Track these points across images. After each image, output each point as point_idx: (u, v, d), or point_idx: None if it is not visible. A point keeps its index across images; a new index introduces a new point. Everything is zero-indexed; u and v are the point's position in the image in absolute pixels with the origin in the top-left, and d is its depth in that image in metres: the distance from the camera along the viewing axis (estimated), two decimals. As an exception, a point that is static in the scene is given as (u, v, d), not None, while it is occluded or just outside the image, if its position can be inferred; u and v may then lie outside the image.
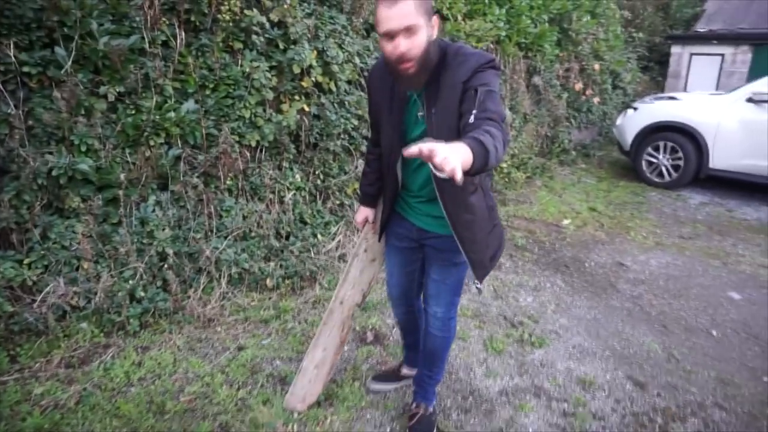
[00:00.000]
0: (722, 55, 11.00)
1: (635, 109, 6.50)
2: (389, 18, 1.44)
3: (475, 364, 2.65)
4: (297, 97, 3.62)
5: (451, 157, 1.11)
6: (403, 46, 1.46)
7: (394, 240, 2.02)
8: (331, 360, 2.29)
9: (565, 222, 4.89)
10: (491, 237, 1.81)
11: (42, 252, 2.67)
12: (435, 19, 1.52)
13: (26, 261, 2.63)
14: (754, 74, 9.46)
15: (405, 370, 2.43)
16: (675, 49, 11.72)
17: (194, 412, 2.21)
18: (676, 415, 2.34)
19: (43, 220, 2.71)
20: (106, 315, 2.67)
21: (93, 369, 2.40)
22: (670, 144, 6.02)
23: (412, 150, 1.13)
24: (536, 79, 6.53)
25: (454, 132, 1.51)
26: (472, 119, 1.44)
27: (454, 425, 2.22)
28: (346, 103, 3.88)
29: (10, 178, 2.65)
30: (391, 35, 1.46)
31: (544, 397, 2.43)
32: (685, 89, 11.14)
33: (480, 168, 1.26)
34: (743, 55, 10.74)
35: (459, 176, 1.10)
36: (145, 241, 2.91)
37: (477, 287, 1.86)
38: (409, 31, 1.44)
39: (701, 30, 11.77)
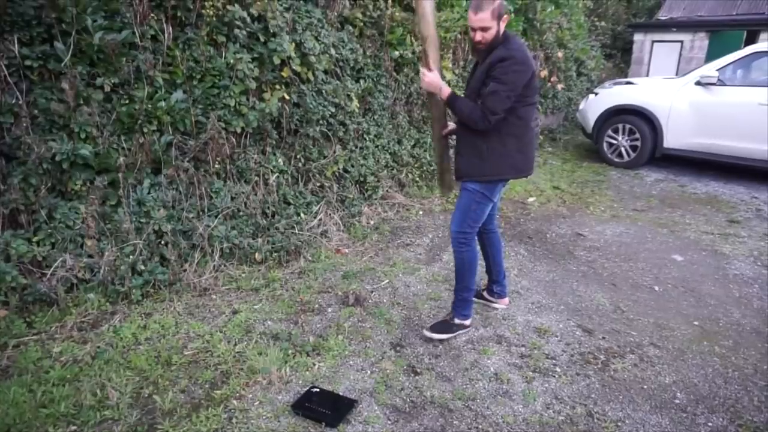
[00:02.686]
0: (681, 42, 11.55)
1: (596, 94, 6.91)
2: (472, 20, 2.39)
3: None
4: (278, 87, 3.89)
5: (424, 84, 2.58)
6: (478, 36, 2.41)
7: None
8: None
9: (530, 199, 5.27)
10: (469, 162, 2.63)
11: (49, 231, 2.92)
12: (505, 17, 2.42)
13: (35, 239, 2.88)
14: (710, 59, 9.96)
15: (485, 293, 3.15)
16: (637, 37, 12.23)
17: (197, 363, 2.50)
18: (617, 353, 2.72)
19: (49, 201, 2.96)
20: (110, 286, 2.93)
21: (104, 331, 2.67)
22: (628, 126, 6.45)
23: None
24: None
25: (478, 85, 2.50)
26: (479, 104, 2.46)
27: (427, 367, 2.56)
28: (324, 91, 4.16)
29: (17, 164, 2.89)
30: (473, 29, 2.41)
31: (505, 343, 2.79)
32: (647, 75, 11.66)
33: (449, 102, 2.56)
34: (701, 42, 11.30)
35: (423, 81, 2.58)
36: (143, 220, 3.17)
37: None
38: (483, 29, 2.38)
39: (662, 18, 12.30)
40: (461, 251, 2.70)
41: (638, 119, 6.34)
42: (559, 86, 7.98)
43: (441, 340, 2.76)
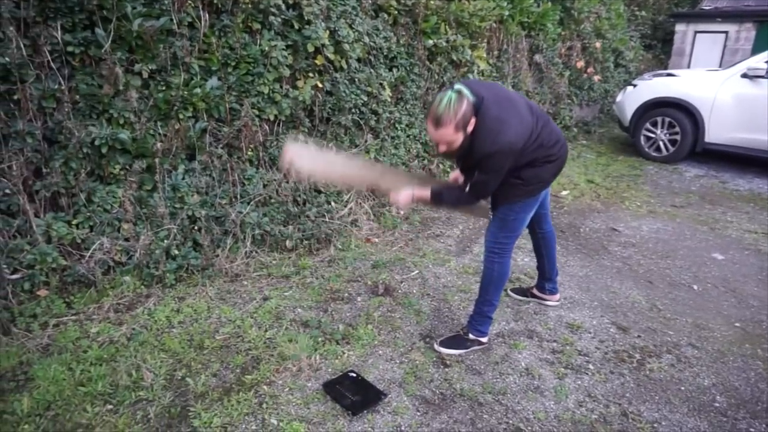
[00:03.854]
0: (726, 32, 11.10)
1: (634, 86, 6.71)
2: (433, 136, 2.16)
3: (476, 311, 2.96)
4: (311, 74, 3.89)
5: (397, 203, 2.51)
6: (442, 149, 2.19)
7: None
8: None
9: (564, 193, 5.16)
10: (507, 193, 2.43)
11: (88, 214, 2.99)
12: (472, 121, 2.12)
13: (74, 222, 2.95)
14: (757, 51, 9.53)
15: (535, 290, 3.07)
16: (679, 27, 11.81)
17: (229, 348, 2.54)
18: (653, 353, 2.64)
19: (88, 185, 3.02)
20: (145, 269, 2.99)
21: (138, 314, 2.73)
22: (667, 119, 6.25)
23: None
24: (538, 58, 6.74)
25: (465, 167, 2.39)
26: (467, 189, 2.33)
27: (456, 359, 2.53)
28: (357, 80, 4.14)
29: (58, 148, 2.96)
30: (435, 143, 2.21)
31: (536, 338, 2.74)
32: (688, 67, 11.26)
33: (435, 204, 2.53)
34: (747, 32, 10.84)
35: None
36: (177, 205, 3.22)
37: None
38: (448, 143, 2.14)
39: (706, 7, 11.84)
40: (492, 261, 2.51)
41: (679, 112, 6.13)
42: (596, 78, 7.77)
43: (452, 356, 2.56)
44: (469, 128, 2.12)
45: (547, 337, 2.75)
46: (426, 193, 2.42)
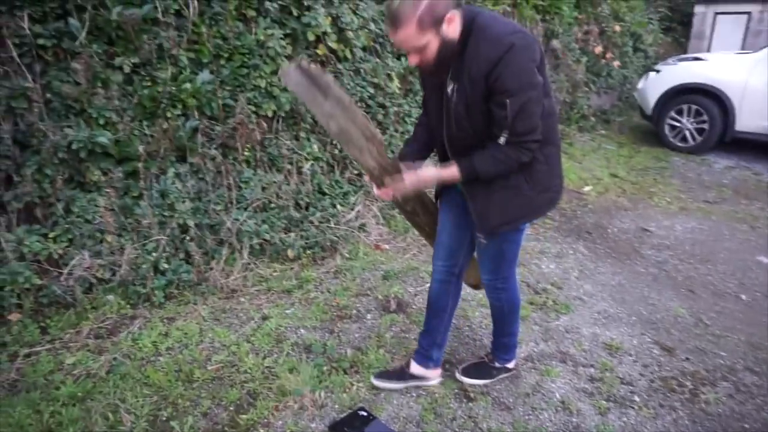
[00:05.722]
0: (749, 13, 10.59)
1: (658, 71, 6.31)
2: (395, 41, 1.56)
3: (500, 330, 2.63)
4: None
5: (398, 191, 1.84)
6: (413, 60, 1.59)
7: (447, 196, 2.00)
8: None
9: (586, 189, 4.81)
10: (506, 205, 1.79)
11: (66, 226, 2.68)
12: (449, 16, 1.52)
13: (51, 235, 2.65)
14: (782, 33, 9.13)
15: (413, 368, 2.19)
16: (699, 9, 11.31)
17: (222, 380, 2.23)
18: (706, 380, 2.31)
19: (66, 194, 2.72)
20: (131, 287, 2.69)
21: (121, 339, 2.43)
22: (694, 107, 5.85)
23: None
24: (554, 43, 6.35)
25: (473, 111, 1.62)
26: (503, 140, 1.61)
27: (481, 391, 2.22)
28: (362, 70, 3.80)
29: (31, 153, 2.66)
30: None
31: (570, 362, 2.42)
32: (708, 50, 10.78)
33: (469, 180, 1.71)
34: (771, 13, 10.33)
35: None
36: (166, 213, 2.91)
37: (481, 240, 1.91)
38: (416, 49, 1.54)
39: (726, -12, 11.31)
40: (500, 298, 2.07)
41: (706, 99, 5.73)
42: (615, 63, 7.36)
43: (476, 386, 2.21)
44: (449, 28, 1.52)
45: (582, 361, 2.43)
46: (452, 170, 1.71)
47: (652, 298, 2.98)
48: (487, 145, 1.65)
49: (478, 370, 2.27)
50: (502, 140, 1.60)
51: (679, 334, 2.64)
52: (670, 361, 2.44)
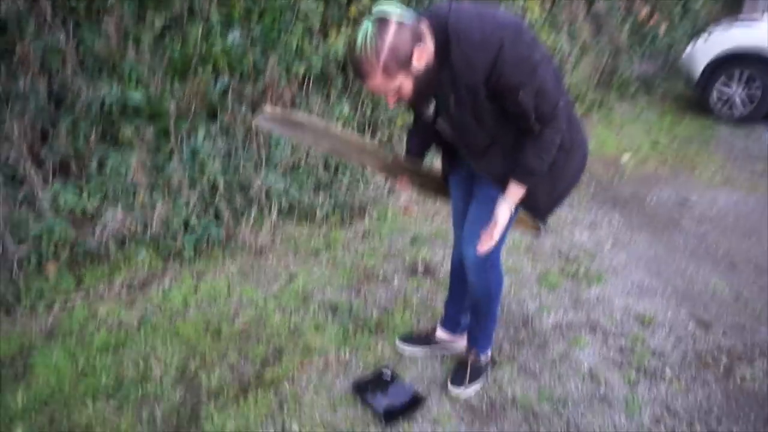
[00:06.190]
0: (811, -26, 9.85)
1: (708, 35, 5.96)
2: (370, 88, 1.49)
3: (528, 297, 2.59)
4: (344, 26, 3.47)
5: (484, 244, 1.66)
6: (391, 101, 1.52)
7: (456, 173, 1.92)
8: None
9: (625, 158, 4.63)
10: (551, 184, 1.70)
11: (99, 181, 2.74)
12: (416, 53, 1.39)
13: (85, 190, 2.71)
14: None
15: (439, 333, 2.18)
16: (756, -30, 10.58)
17: (249, 335, 2.26)
18: (743, 356, 2.23)
19: (99, 150, 2.76)
20: (162, 242, 2.74)
21: (152, 293, 2.48)
22: (746, 73, 5.53)
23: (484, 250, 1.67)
24: (599, 5, 6.05)
25: (482, 114, 1.51)
26: (536, 128, 1.49)
27: (507, 356, 2.19)
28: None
29: (65, 109, 2.70)
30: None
31: (600, 332, 2.36)
32: (764, 13, 10.12)
33: (531, 183, 1.61)
34: (837, -26, 9.59)
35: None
36: (196, 171, 2.93)
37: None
38: (391, 92, 1.46)
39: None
40: (488, 279, 1.87)
41: (761, 65, 5.40)
42: (662, 27, 6.97)
43: (474, 394, 2.00)
44: (420, 62, 1.40)
45: (613, 331, 2.37)
46: (513, 190, 1.61)
47: (689, 271, 2.87)
48: (522, 141, 1.54)
49: (468, 372, 1.99)
50: (535, 128, 1.49)
51: (717, 309, 2.54)
52: (705, 335, 2.35)
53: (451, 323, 2.17)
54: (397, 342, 2.21)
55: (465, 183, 1.89)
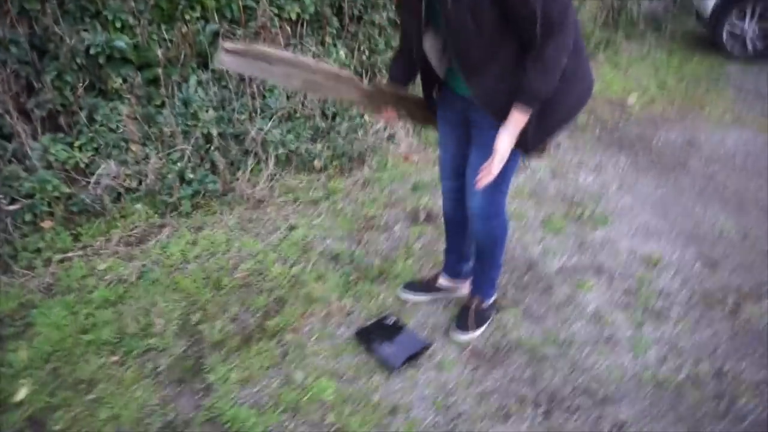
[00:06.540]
0: None
1: (721, -32, 5.67)
2: None
3: (532, 242, 2.55)
4: (338, -37, 3.29)
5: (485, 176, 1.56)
6: None
7: (442, 109, 1.83)
8: None
9: (631, 99, 4.49)
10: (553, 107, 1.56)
11: (90, 134, 2.65)
12: None
13: (76, 143, 2.63)
14: None
15: (441, 281, 2.15)
16: None
17: (249, 287, 2.24)
18: (750, 295, 2.20)
19: (88, 102, 2.66)
20: (158, 196, 2.68)
21: (150, 247, 2.45)
22: (759, 8, 5.29)
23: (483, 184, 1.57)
24: (605, -63, 5.74)
25: (482, 20, 1.38)
26: (541, 38, 1.37)
27: (511, 301, 2.17)
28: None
29: (49, 58, 2.58)
30: None
31: (606, 274, 2.33)
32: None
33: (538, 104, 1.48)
34: None
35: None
36: (189, 122, 2.84)
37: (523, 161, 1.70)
38: None
39: None
40: (492, 226, 1.83)
41: (775, -1, 5.16)
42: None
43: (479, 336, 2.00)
44: None
45: (618, 273, 2.34)
46: (516, 117, 1.49)
47: (696, 212, 2.82)
48: (526, 61, 1.42)
49: (473, 317, 1.99)
50: (539, 39, 1.36)
51: (724, 250, 2.50)
52: (712, 275, 2.32)
53: (452, 271, 2.14)
54: (400, 290, 2.19)
55: (456, 131, 1.80)
